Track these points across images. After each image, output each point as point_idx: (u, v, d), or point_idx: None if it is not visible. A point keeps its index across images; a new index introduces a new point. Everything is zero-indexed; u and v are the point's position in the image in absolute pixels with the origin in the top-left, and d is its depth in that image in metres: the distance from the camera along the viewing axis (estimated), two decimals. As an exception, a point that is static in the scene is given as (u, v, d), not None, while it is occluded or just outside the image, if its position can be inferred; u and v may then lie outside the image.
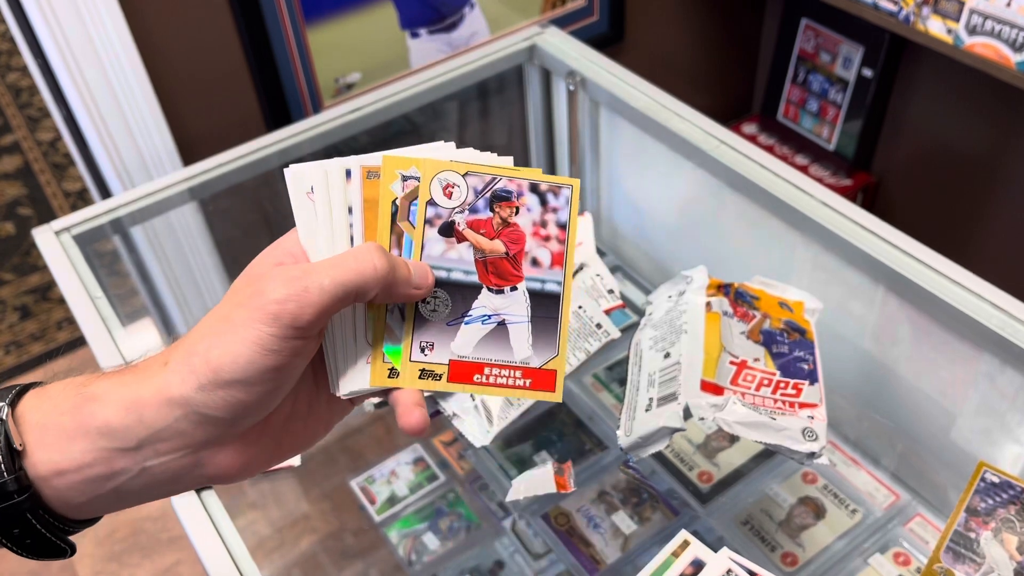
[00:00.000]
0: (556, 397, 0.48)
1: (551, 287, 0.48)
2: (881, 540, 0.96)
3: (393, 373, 0.46)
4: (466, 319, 0.47)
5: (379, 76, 1.49)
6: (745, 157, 1.04)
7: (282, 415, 0.46)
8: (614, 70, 1.20)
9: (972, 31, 1.31)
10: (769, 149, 1.95)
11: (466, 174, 0.47)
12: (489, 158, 0.48)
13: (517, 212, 0.47)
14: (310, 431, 0.48)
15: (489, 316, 0.47)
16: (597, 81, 1.20)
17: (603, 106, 1.24)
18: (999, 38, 1.28)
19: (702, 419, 0.75)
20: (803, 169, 1.89)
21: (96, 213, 1.07)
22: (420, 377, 0.47)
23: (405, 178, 0.46)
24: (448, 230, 0.47)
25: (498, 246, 0.47)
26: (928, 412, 0.98)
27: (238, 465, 0.44)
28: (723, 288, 0.88)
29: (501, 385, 0.47)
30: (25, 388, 0.43)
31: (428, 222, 0.47)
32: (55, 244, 1.02)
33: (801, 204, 0.98)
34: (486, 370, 0.47)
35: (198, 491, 0.81)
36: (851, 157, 1.82)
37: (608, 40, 1.74)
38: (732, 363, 0.80)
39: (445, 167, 0.46)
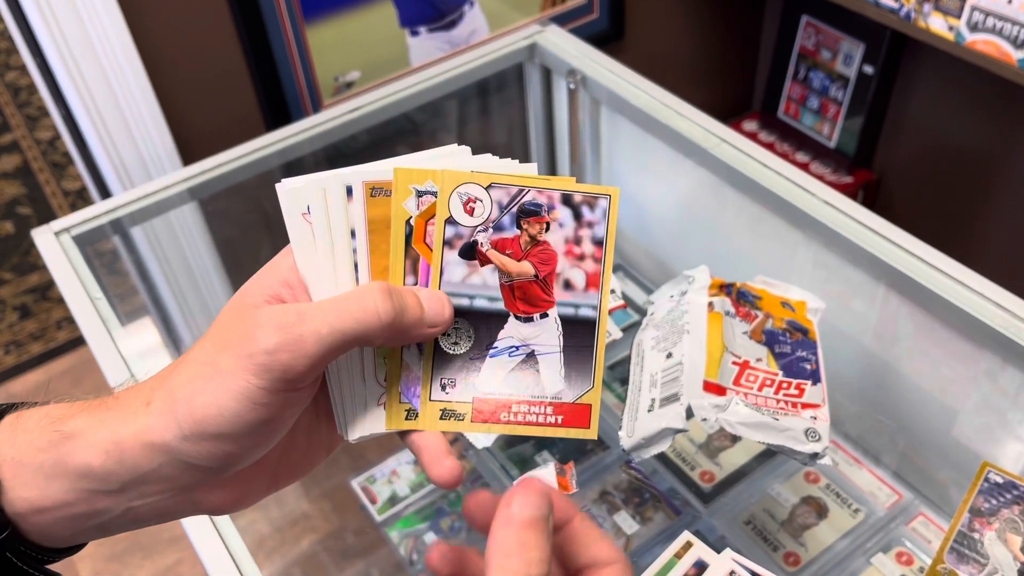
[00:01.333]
0: (591, 434, 0.43)
1: (585, 312, 0.43)
2: (884, 540, 0.96)
3: (411, 414, 0.42)
4: (491, 352, 0.42)
5: (379, 75, 1.49)
6: (746, 155, 1.04)
7: (277, 449, 0.42)
8: (614, 68, 1.20)
9: (973, 28, 1.31)
10: (770, 146, 1.94)
11: (489, 186, 0.41)
12: (511, 166, 0.42)
13: (548, 228, 0.42)
14: (309, 460, 0.45)
15: (517, 347, 0.42)
16: (597, 79, 1.20)
17: (604, 104, 1.24)
18: (1000, 35, 1.28)
19: (704, 420, 0.74)
20: (804, 166, 1.88)
21: (96, 214, 1.07)
22: (441, 418, 0.42)
23: (420, 193, 0.41)
24: (470, 252, 0.42)
25: (527, 268, 0.42)
26: (930, 410, 0.98)
27: (231, 500, 0.42)
28: (725, 288, 0.88)
29: (530, 423, 0.42)
30: None
31: (447, 243, 0.41)
32: (55, 245, 1.02)
33: (802, 202, 0.97)
34: (514, 407, 0.42)
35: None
36: (852, 154, 1.82)
37: (608, 38, 1.74)
38: (734, 363, 0.80)
39: (466, 179, 0.41)
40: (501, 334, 0.42)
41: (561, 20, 1.63)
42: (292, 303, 0.40)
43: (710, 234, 1.18)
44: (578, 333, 0.43)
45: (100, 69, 1.24)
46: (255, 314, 0.38)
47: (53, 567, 0.42)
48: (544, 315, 0.43)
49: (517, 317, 0.42)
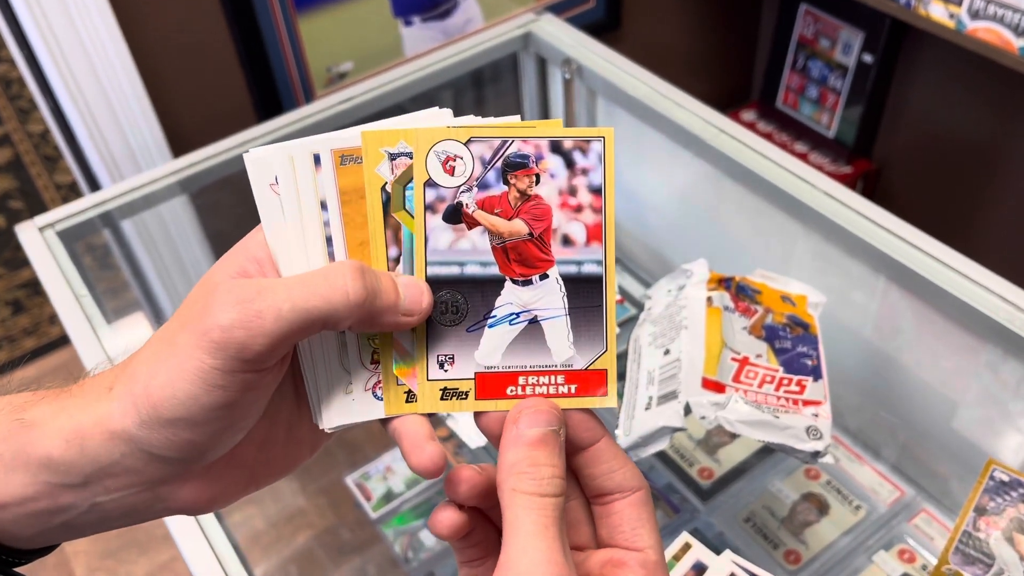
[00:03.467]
0: (610, 401, 0.39)
1: (589, 268, 0.39)
2: (886, 537, 0.94)
3: (411, 397, 0.39)
4: (490, 321, 0.39)
5: (372, 65, 1.47)
6: (745, 146, 1.02)
7: (254, 443, 0.39)
8: (611, 58, 1.18)
9: (974, 15, 1.29)
10: (768, 136, 1.93)
11: (469, 141, 0.38)
12: (492, 120, 0.39)
13: (538, 180, 0.39)
14: (291, 457, 0.41)
15: (517, 314, 0.39)
16: (594, 69, 1.18)
17: (600, 94, 1.22)
18: (1002, 23, 1.26)
19: (703, 418, 0.73)
20: (802, 156, 1.87)
21: (82, 208, 1.05)
22: (442, 398, 0.39)
23: (393, 156, 0.38)
24: (454, 215, 0.39)
25: (519, 227, 0.39)
26: (931, 403, 0.96)
27: (205, 498, 0.39)
28: (724, 282, 0.86)
29: (542, 396, 0.39)
30: None
31: (429, 208, 0.38)
32: (39, 241, 1.00)
33: (801, 193, 0.96)
34: (521, 380, 0.39)
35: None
36: (851, 144, 1.80)
37: (605, 27, 1.72)
38: (734, 360, 0.78)
39: (442, 136, 0.38)
40: (498, 301, 0.39)
41: (556, 9, 1.61)
42: (256, 278, 0.37)
43: (708, 226, 1.17)
44: (584, 293, 0.39)
45: (88, 61, 1.23)
46: (216, 288, 0.35)
47: (22, 569, 0.39)
48: (544, 276, 0.39)
49: (514, 281, 0.39)
